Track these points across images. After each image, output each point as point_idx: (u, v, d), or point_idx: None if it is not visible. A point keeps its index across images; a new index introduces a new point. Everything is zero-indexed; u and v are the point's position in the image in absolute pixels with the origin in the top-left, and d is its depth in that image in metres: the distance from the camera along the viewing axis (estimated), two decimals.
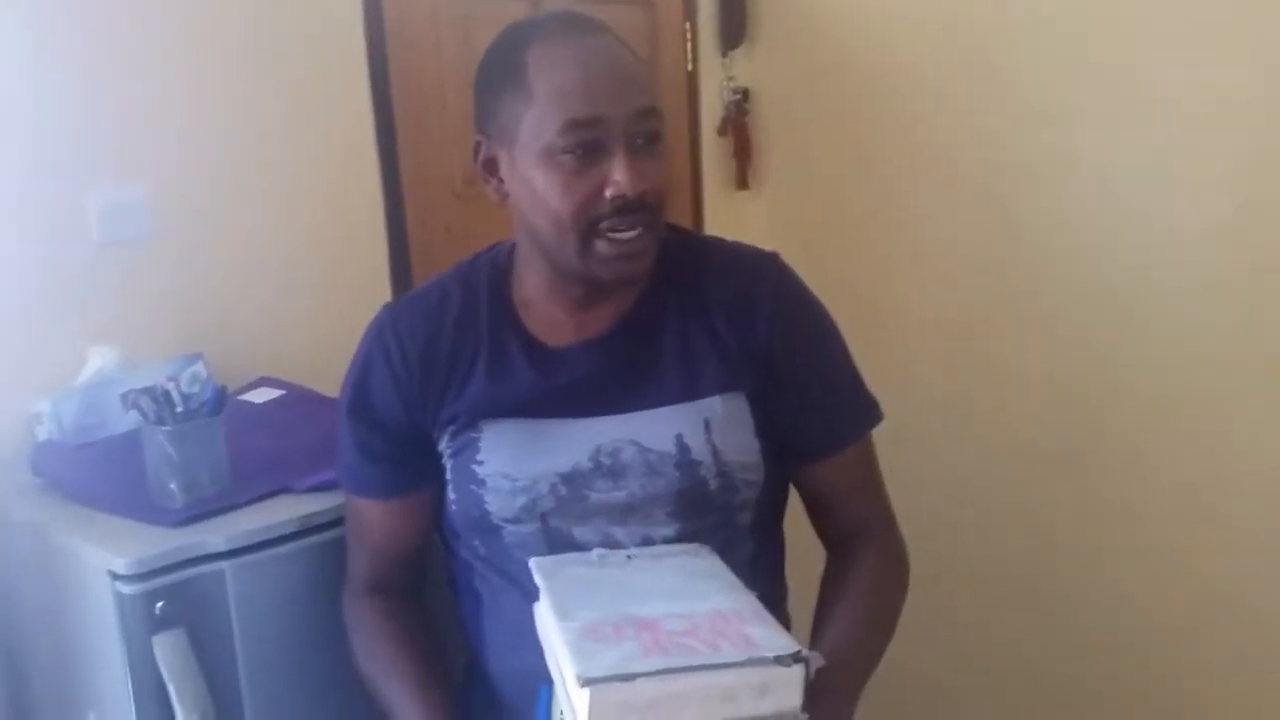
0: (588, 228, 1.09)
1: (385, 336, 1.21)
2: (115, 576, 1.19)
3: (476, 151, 1.17)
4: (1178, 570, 1.99)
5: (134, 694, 1.20)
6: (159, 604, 1.18)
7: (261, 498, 1.33)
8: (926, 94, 2.20)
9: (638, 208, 1.08)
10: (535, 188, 1.09)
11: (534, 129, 1.08)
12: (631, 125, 1.08)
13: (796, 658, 0.87)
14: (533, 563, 1.08)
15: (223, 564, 1.23)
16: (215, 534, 1.24)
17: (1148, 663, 2.04)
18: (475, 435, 1.17)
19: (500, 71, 1.13)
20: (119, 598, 1.19)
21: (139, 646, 1.18)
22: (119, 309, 1.61)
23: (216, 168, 1.72)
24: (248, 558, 1.25)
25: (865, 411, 1.26)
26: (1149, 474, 2.00)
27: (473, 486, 1.16)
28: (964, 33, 2.12)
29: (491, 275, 1.22)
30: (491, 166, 1.15)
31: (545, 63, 1.09)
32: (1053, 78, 2.01)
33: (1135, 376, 1.99)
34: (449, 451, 1.19)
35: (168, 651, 1.18)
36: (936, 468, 2.19)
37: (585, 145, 1.07)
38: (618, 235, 1.09)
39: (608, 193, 1.07)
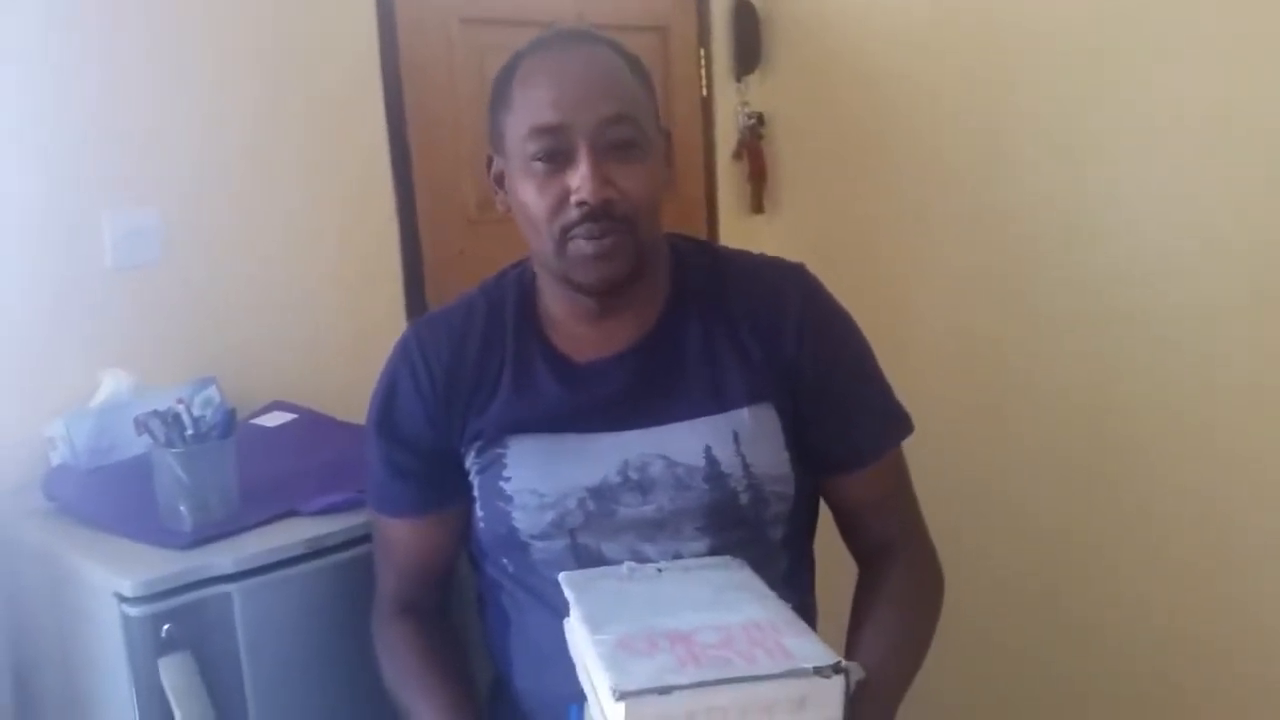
0: (561, 232, 1.10)
1: (411, 353, 1.21)
2: (122, 599, 1.18)
3: (489, 165, 1.19)
4: (1194, 582, 1.96)
5: (140, 717, 1.19)
6: (165, 626, 1.17)
7: (270, 520, 1.32)
8: (940, 116, 2.20)
9: (603, 215, 1.09)
10: (519, 195, 1.13)
11: (513, 138, 1.12)
12: (599, 132, 1.09)
13: (836, 669, 0.85)
14: (562, 577, 1.07)
15: (230, 586, 1.22)
16: (223, 556, 1.23)
17: (1164, 674, 2.02)
18: (501, 451, 1.16)
19: (497, 88, 1.16)
20: (125, 620, 1.18)
21: (145, 669, 1.17)
22: (133, 332, 1.61)
23: (231, 192, 1.72)
24: (255, 580, 1.23)
25: (896, 423, 1.25)
26: (1165, 487, 1.98)
27: (500, 503, 1.15)
28: (978, 56, 2.12)
29: (517, 291, 1.22)
30: (501, 179, 1.18)
31: (525, 76, 1.12)
32: (1066, 98, 2.00)
33: (1150, 390, 1.98)
34: (475, 468, 1.18)
35: (174, 674, 1.17)
36: (953, 482, 2.14)
37: (551, 152, 1.09)
38: (590, 239, 1.10)
39: (572, 199, 1.09)
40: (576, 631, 0.98)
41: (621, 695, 0.82)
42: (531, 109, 1.10)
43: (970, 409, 2.23)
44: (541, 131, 1.09)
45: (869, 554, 1.24)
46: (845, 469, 1.22)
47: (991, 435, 2.21)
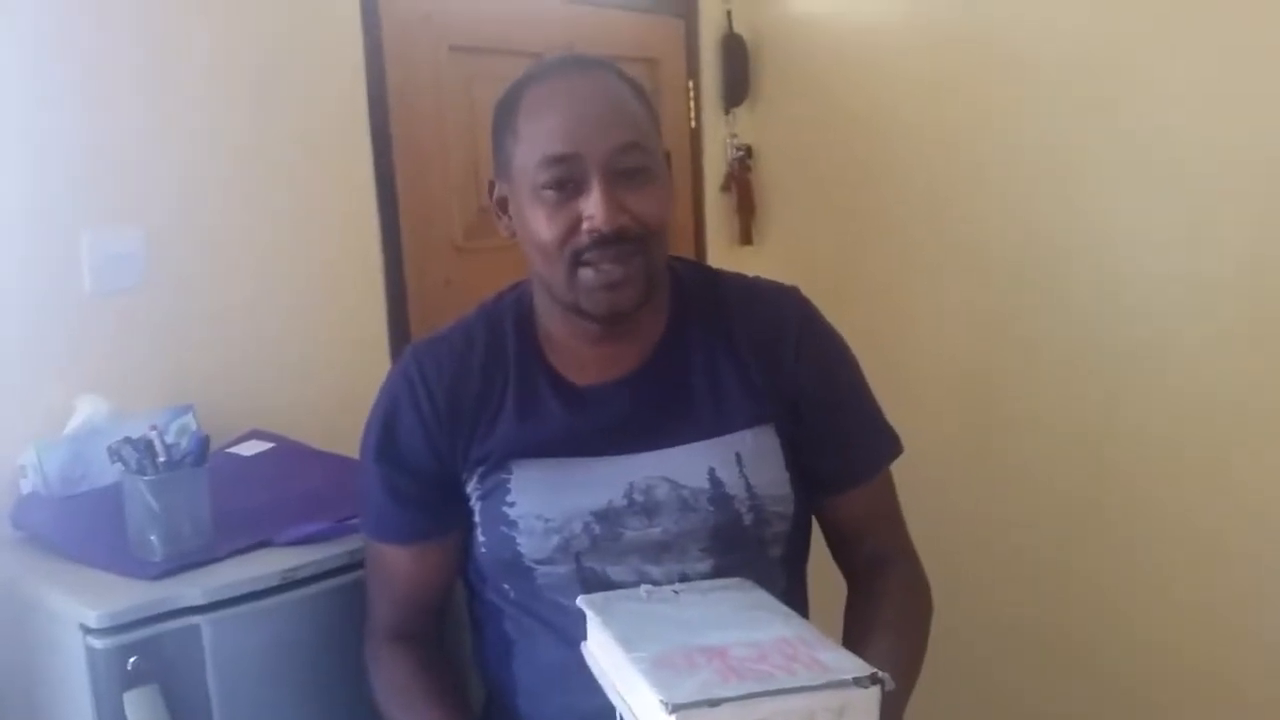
0: (571, 259, 1.10)
1: (411, 378, 1.19)
2: (87, 630, 1.14)
3: (491, 190, 1.19)
4: (1190, 610, 1.96)
5: None
6: (132, 659, 1.13)
7: (242, 551, 1.28)
8: (929, 149, 2.21)
9: (615, 240, 1.09)
10: (527, 222, 1.12)
11: (521, 166, 1.12)
12: (611, 160, 1.09)
13: (874, 679, 0.88)
14: (582, 600, 1.07)
15: (199, 618, 1.18)
16: (192, 587, 1.19)
17: (1161, 704, 2.00)
18: (505, 476, 1.15)
19: (501, 115, 1.16)
20: (90, 652, 1.14)
21: (110, 704, 1.13)
22: (109, 358, 1.56)
23: (213, 218, 1.68)
24: (225, 612, 1.20)
25: (887, 443, 1.27)
26: (1162, 518, 1.98)
27: (504, 528, 1.14)
28: (966, 89, 2.14)
29: (516, 314, 1.22)
30: (504, 204, 1.18)
31: (532, 104, 1.12)
32: (1056, 128, 2.02)
33: (1147, 423, 1.98)
34: (477, 494, 1.17)
35: (140, 709, 1.13)
36: (945, 512, 2.14)
37: (563, 181, 1.09)
38: (600, 266, 1.10)
39: (584, 226, 1.09)
40: (606, 651, 0.98)
41: (674, 708, 0.83)
42: (542, 138, 1.09)
43: (962, 441, 2.22)
44: (553, 161, 1.09)
45: (860, 570, 1.25)
46: (841, 488, 1.23)
47: (983, 466, 2.21)
